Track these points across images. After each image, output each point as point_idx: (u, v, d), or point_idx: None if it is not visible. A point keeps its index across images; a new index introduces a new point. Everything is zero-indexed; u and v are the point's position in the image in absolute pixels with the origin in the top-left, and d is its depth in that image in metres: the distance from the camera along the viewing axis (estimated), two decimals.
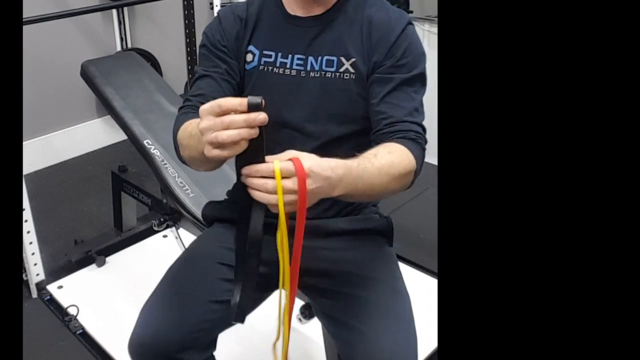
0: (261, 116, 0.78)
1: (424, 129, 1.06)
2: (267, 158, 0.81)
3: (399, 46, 1.08)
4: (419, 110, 1.07)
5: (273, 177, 0.80)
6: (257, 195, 0.81)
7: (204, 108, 0.80)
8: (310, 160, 0.82)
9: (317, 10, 1.11)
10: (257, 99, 0.78)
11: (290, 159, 0.81)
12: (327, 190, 0.84)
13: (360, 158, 0.92)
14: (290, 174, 0.80)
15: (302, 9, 1.12)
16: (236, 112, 0.78)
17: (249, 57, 1.12)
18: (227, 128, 0.77)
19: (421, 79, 1.10)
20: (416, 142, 1.02)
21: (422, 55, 1.10)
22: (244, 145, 0.80)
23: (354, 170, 0.88)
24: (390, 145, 0.99)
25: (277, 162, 0.80)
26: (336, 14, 1.11)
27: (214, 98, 1.07)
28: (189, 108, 1.08)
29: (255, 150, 0.81)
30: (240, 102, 0.78)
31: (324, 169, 0.83)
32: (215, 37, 1.13)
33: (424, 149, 1.04)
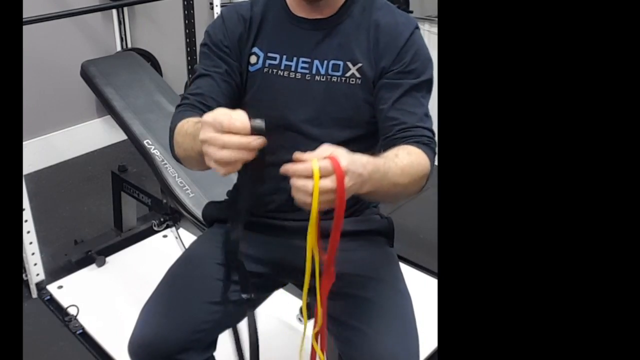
0: (257, 141, 0.79)
1: (434, 134, 1.06)
2: (305, 155, 0.79)
3: (407, 51, 1.07)
4: (428, 115, 1.08)
5: (311, 177, 0.78)
6: (298, 196, 0.80)
7: (206, 120, 0.80)
8: (346, 159, 0.80)
9: (323, 13, 1.10)
10: (260, 124, 0.79)
11: (327, 157, 0.79)
12: (358, 187, 0.83)
13: (383, 157, 0.92)
14: (329, 173, 0.78)
15: (306, 12, 1.10)
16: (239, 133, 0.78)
17: (253, 59, 1.11)
18: (223, 147, 0.78)
19: (428, 85, 1.09)
20: (429, 147, 1.03)
21: (429, 61, 1.10)
22: (239, 165, 0.80)
23: (381, 167, 0.88)
24: (407, 147, 1.00)
25: (316, 162, 0.78)
26: (342, 18, 1.10)
27: (213, 98, 1.07)
28: (187, 106, 1.07)
29: (255, 169, 0.82)
30: (244, 126, 0.78)
31: (358, 167, 0.82)
32: (217, 36, 1.11)
33: (435, 153, 1.04)
